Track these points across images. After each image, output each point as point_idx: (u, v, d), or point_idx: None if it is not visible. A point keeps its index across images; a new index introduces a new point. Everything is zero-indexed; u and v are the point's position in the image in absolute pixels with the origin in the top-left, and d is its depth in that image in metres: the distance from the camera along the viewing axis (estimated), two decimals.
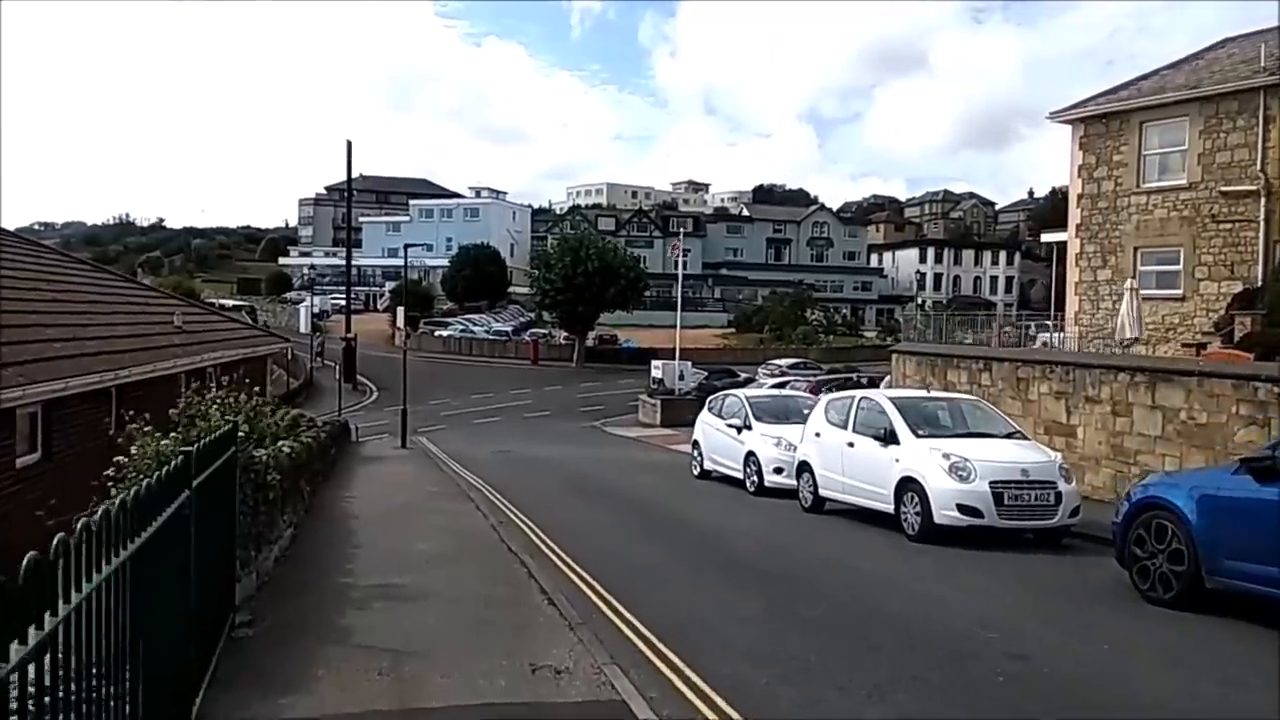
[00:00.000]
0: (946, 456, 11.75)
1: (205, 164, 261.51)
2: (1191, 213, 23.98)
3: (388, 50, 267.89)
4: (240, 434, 8.71)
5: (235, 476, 7.71)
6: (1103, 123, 26.36)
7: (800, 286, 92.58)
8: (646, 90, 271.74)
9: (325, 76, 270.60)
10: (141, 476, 7.93)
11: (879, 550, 11.62)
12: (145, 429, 8.65)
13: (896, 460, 12.35)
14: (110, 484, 8.08)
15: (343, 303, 68.99)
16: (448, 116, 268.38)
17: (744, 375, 48.65)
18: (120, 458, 8.33)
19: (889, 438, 12.64)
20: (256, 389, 9.76)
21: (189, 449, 5.20)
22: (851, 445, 13.46)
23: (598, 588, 9.57)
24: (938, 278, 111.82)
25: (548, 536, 12.72)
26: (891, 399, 13.37)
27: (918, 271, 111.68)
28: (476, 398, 49.50)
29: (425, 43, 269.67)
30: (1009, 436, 12.82)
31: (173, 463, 4.87)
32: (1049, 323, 36.69)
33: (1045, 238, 44.11)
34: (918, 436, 12.40)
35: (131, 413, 9.22)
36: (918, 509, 11.83)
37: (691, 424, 38.82)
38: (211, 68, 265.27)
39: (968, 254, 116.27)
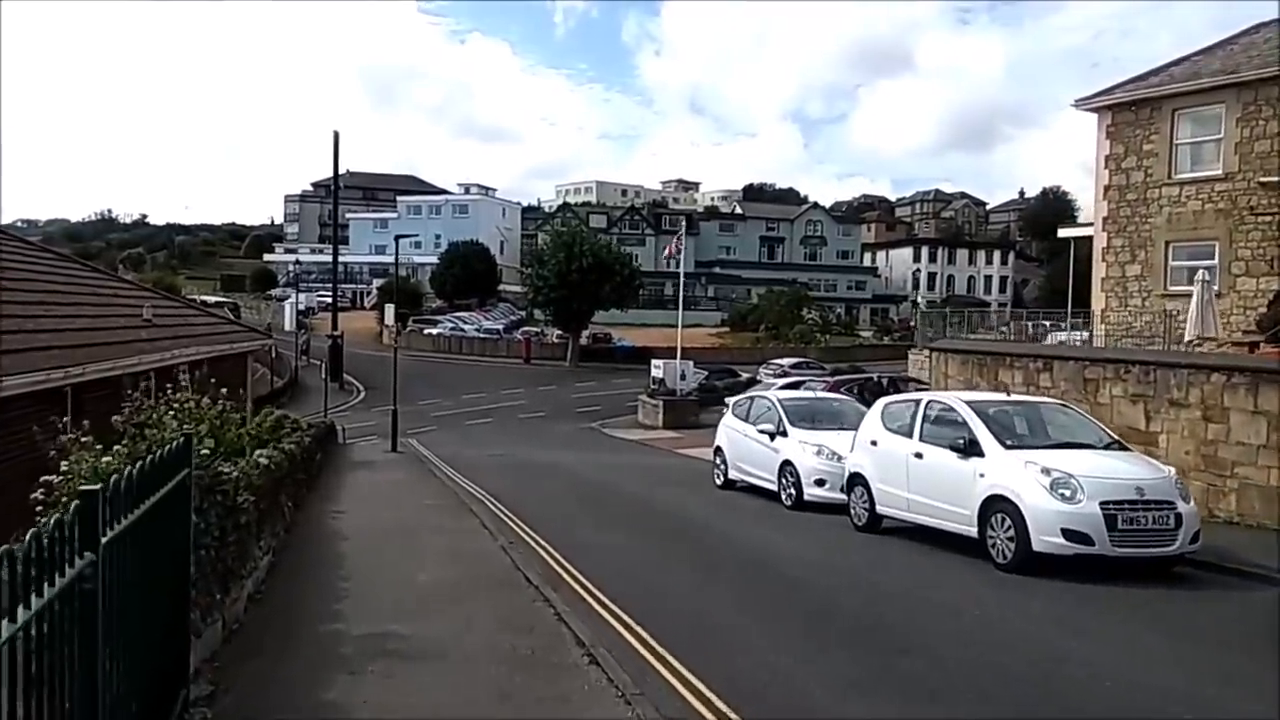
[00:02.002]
0: (1046, 472, 9.92)
1: (189, 160, 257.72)
2: (1228, 205, 22.80)
3: (372, 47, 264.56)
4: (205, 449, 6.87)
5: (189, 504, 5.87)
6: (1132, 110, 24.97)
7: (795, 285, 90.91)
8: (633, 89, 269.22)
9: (310, 73, 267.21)
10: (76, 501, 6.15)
11: (970, 584, 9.77)
12: (83, 439, 6.82)
13: (981, 475, 10.52)
14: (39, 509, 6.28)
15: (329, 300, 67.18)
16: (433, 114, 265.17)
17: (745, 375, 47.25)
18: (49, 477, 6.51)
19: (969, 448, 10.80)
20: (224, 390, 7.90)
21: (94, 489, 3.36)
22: (919, 456, 11.63)
23: (646, 637, 7.73)
24: (931, 277, 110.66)
25: (569, 563, 10.87)
26: (969, 403, 11.52)
27: (914, 272, 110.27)
28: (468, 398, 47.83)
29: (410, 40, 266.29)
30: (1109, 447, 11.00)
31: (59, 519, 3.04)
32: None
33: (1063, 232, 42.56)
34: (1006, 447, 10.57)
35: (65, 419, 7.43)
36: (1010, 533, 10.01)
37: (695, 426, 37.78)
38: (195, 64, 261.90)
39: (961, 253, 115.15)
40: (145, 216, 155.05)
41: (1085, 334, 27.31)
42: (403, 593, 9.17)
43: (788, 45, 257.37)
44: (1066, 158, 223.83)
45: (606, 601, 8.97)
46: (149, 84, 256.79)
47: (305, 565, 10.44)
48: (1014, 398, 12.47)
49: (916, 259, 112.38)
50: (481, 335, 73.12)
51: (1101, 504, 9.62)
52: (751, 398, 18.96)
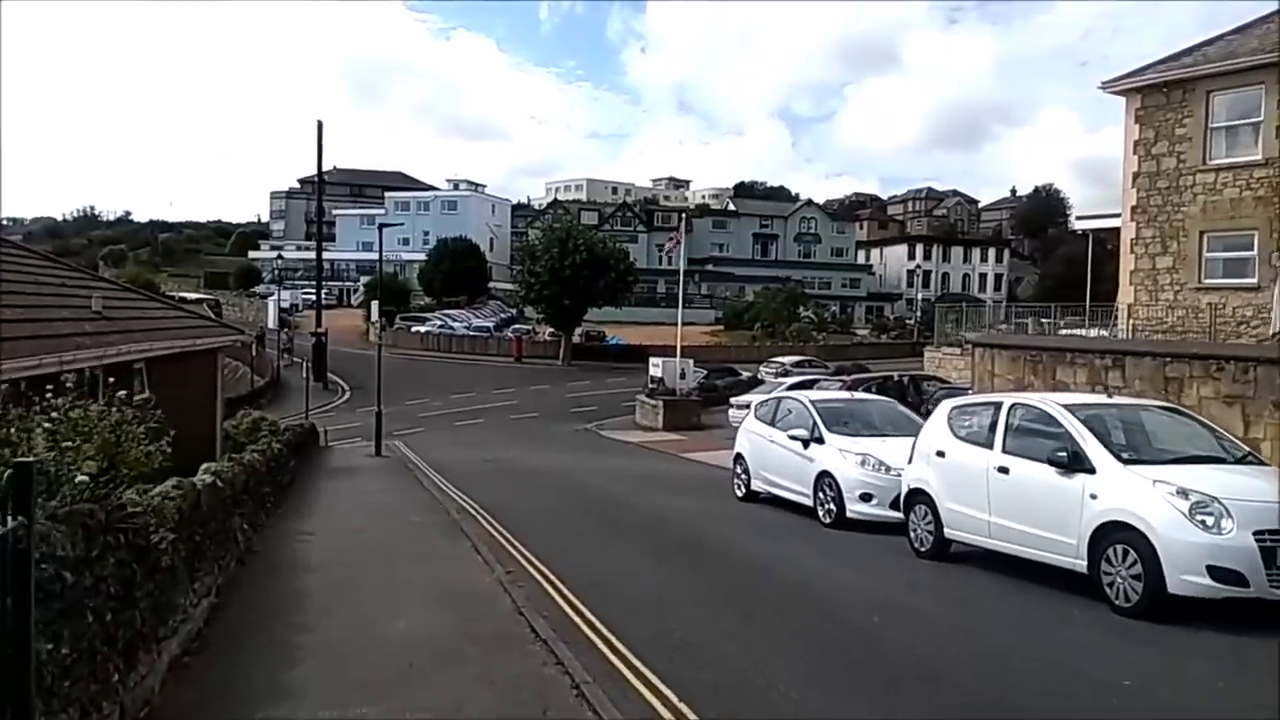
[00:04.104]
0: (1183, 494, 7.92)
1: (174, 157, 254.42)
2: (1268, 192, 21.40)
3: (358, 43, 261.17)
4: (84, 474, 4.84)
5: (29, 571, 3.83)
6: (1163, 93, 23.42)
7: (789, 283, 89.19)
8: (620, 87, 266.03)
9: (296, 70, 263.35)
10: None
11: (1096, 638, 7.65)
12: None
13: (1092, 497, 8.51)
14: None
15: (314, 297, 65.12)
16: (419, 112, 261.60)
17: (746, 374, 45.54)
18: None
19: (1073, 463, 8.80)
20: (122, 393, 5.90)
21: None
22: (1003, 471, 9.63)
23: None
24: (926, 275, 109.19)
25: (582, 603, 8.84)
26: (1066, 406, 9.51)
27: (911, 270, 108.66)
28: (457, 397, 45.92)
29: (395, 36, 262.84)
30: (1243, 461, 9.04)
31: None
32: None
33: (1081, 224, 41.01)
34: (1123, 462, 8.58)
35: None
36: (1135, 570, 8.01)
37: (698, 427, 35.76)
38: (181, 60, 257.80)
39: (956, 251, 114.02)
40: (129, 213, 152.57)
41: (1102, 330, 25.71)
42: (376, 652, 7.14)
43: (774, 43, 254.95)
44: (1056, 156, 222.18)
45: (637, 664, 6.94)
46: (134, 80, 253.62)
47: (256, 609, 8.39)
48: (1116, 400, 10.45)
49: (911, 256, 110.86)
50: (471, 333, 71.49)
51: (1255, 534, 7.65)
52: (778, 399, 16.90)
